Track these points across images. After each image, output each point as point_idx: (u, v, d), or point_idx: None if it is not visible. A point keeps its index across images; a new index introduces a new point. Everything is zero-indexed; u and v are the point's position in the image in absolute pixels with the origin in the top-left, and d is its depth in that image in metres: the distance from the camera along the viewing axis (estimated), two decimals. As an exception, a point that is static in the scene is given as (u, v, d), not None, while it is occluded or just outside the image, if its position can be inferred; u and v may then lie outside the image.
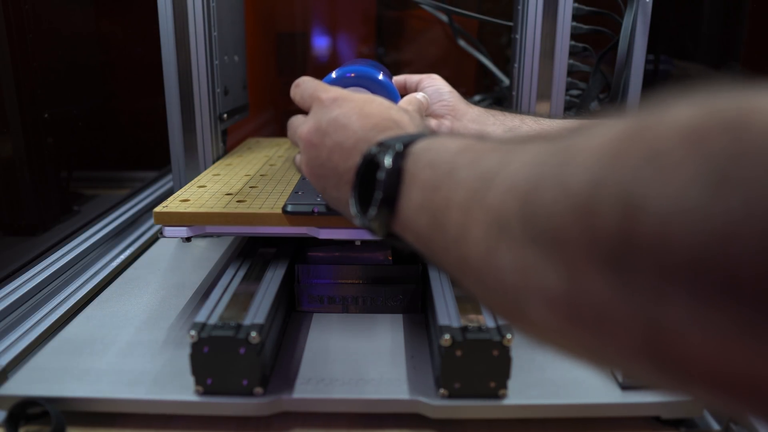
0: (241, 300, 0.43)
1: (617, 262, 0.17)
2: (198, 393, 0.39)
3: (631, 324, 0.17)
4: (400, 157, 0.30)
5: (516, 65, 0.68)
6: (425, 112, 0.57)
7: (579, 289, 0.18)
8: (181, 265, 0.61)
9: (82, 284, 0.57)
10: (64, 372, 0.42)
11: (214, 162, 0.67)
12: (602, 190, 0.17)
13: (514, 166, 0.22)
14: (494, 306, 0.24)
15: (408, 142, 0.31)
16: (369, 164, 0.33)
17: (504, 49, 0.94)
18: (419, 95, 0.52)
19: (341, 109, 0.38)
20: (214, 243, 0.66)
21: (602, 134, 0.19)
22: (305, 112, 0.42)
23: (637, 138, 0.17)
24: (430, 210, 0.27)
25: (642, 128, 0.17)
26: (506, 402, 0.39)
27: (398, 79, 0.62)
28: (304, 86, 0.42)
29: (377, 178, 0.31)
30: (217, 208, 0.48)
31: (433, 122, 0.59)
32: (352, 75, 0.48)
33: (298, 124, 0.42)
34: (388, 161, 0.30)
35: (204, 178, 0.58)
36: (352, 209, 0.34)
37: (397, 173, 0.30)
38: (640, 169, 0.16)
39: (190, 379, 0.39)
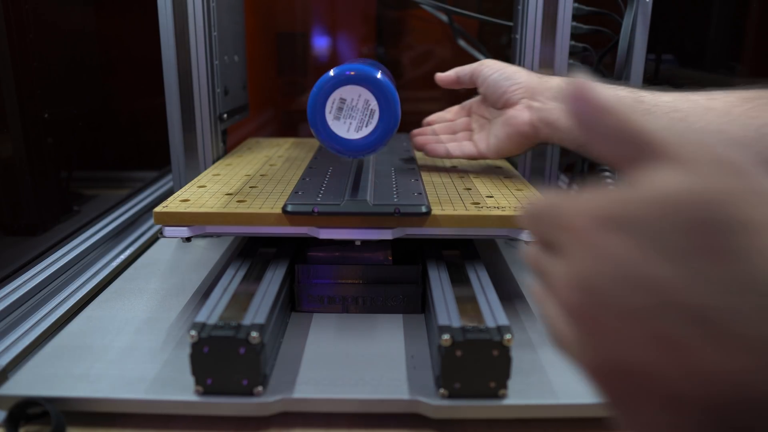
0: (241, 300, 0.43)
1: None
2: (198, 393, 0.39)
3: None
4: None
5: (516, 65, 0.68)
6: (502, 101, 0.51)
7: None
8: (181, 265, 0.61)
9: (82, 284, 0.57)
10: (64, 372, 0.42)
11: (214, 162, 0.67)
12: None
13: None
14: None
15: None
16: None
17: (504, 49, 0.94)
18: None
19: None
20: (214, 243, 0.66)
21: None
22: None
23: None
24: None
25: None
26: (506, 402, 0.39)
27: (449, 74, 0.57)
28: (543, 210, 0.23)
29: None
30: (217, 208, 0.48)
31: (510, 113, 0.53)
32: (351, 73, 0.48)
33: (555, 266, 0.22)
34: None
35: (204, 178, 0.58)
36: None
37: None
38: None
39: (190, 379, 0.39)
